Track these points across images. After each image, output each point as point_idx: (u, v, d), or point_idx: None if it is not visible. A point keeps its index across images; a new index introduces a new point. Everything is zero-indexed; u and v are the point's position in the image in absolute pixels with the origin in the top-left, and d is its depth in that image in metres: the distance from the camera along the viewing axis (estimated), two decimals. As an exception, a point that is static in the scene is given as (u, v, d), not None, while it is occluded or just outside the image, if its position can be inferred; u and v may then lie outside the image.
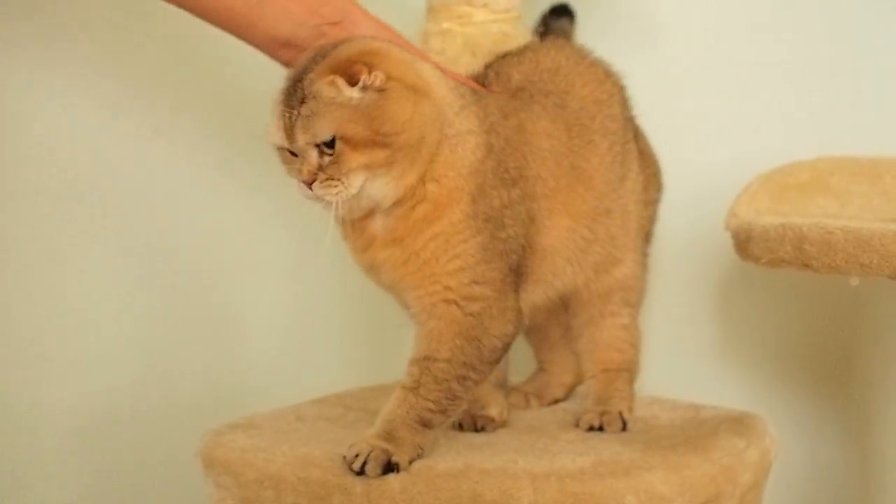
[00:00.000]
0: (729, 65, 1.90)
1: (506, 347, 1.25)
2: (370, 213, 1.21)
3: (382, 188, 1.16)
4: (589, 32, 1.90)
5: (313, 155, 1.14)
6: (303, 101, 1.14)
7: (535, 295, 1.34)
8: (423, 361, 1.21)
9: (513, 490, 1.15)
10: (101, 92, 1.69)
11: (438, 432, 1.24)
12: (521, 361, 1.66)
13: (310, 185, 1.14)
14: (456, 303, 1.21)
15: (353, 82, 1.13)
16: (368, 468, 1.16)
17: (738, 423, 1.39)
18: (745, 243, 1.40)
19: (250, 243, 1.85)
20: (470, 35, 1.49)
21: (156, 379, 1.77)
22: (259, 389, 1.88)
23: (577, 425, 1.41)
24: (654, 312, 1.81)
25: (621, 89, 1.44)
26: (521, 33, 1.54)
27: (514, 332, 1.25)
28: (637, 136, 1.48)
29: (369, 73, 1.14)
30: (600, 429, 1.38)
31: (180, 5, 1.24)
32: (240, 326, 1.87)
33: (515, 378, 1.63)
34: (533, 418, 1.46)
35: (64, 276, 1.67)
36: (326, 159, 1.14)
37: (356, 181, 1.14)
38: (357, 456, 1.17)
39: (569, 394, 1.58)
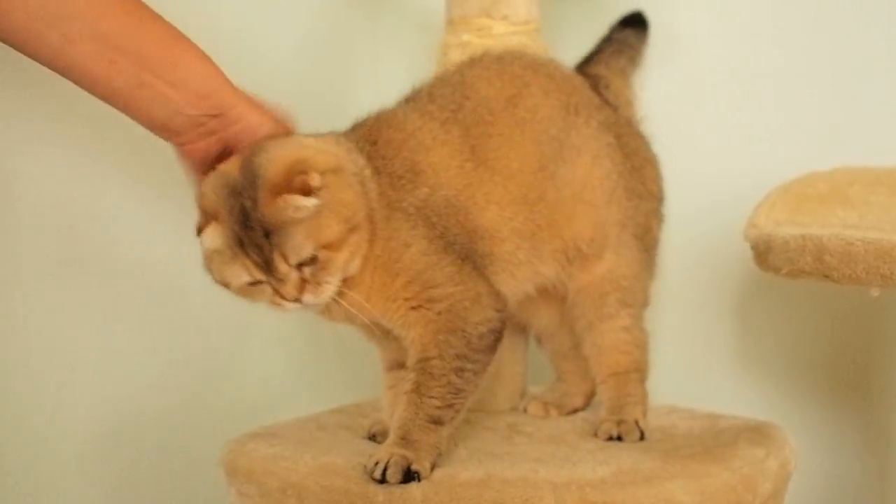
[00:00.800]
0: (745, 75, 1.90)
1: (494, 332, 1.26)
2: None
3: (355, 266, 1.22)
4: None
5: (294, 276, 1.17)
6: (268, 234, 1.16)
7: (506, 284, 1.35)
8: (418, 364, 1.24)
9: (534, 499, 1.15)
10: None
11: (452, 430, 1.25)
12: (540, 371, 1.67)
13: (298, 299, 1.18)
14: (421, 307, 1.24)
15: (305, 193, 1.16)
16: (389, 474, 1.17)
17: (758, 433, 1.39)
18: (764, 254, 1.40)
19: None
20: (489, 47, 1.49)
21: (177, 386, 1.78)
22: (279, 398, 1.89)
23: (595, 435, 1.41)
24: (672, 322, 1.82)
25: (554, 80, 1.43)
26: (539, 45, 1.55)
27: (497, 315, 1.26)
28: (617, 125, 1.48)
29: (308, 177, 1.16)
30: (619, 438, 1.39)
31: (70, 78, 1.23)
32: (260, 334, 1.88)
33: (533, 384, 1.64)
34: (552, 428, 1.47)
35: (86, 284, 1.68)
36: (307, 271, 1.18)
37: (337, 278, 1.20)
38: (377, 464, 1.18)
39: (588, 402, 1.58)
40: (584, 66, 1.62)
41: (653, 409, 1.49)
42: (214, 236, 1.19)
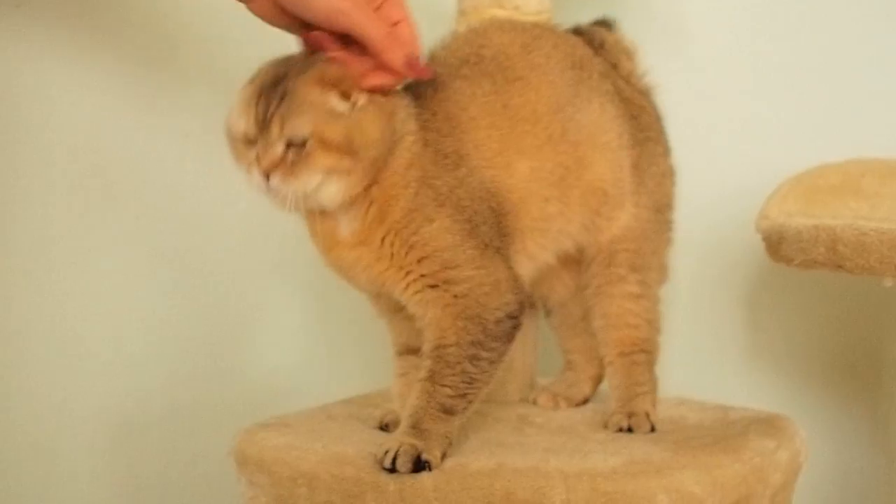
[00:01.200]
0: (756, 66, 1.90)
1: (512, 317, 1.25)
2: (332, 214, 1.25)
3: (330, 192, 1.20)
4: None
5: (279, 148, 1.17)
6: (284, 97, 1.17)
7: (532, 256, 1.35)
8: (434, 351, 1.23)
9: (545, 489, 1.15)
10: (131, 94, 1.71)
11: (463, 420, 1.25)
12: (549, 362, 1.67)
13: (267, 176, 1.17)
14: (439, 287, 1.24)
15: (341, 95, 1.19)
16: (399, 463, 1.17)
17: (768, 425, 1.39)
18: (777, 245, 1.39)
19: (276, 243, 1.86)
20: (501, 37, 1.49)
21: (185, 380, 1.78)
22: (286, 390, 1.89)
23: (605, 426, 1.41)
24: (682, 312, 1.82)
25: (556, 35, 1.45)
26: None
27: (515, 299, 1.26)
28: (612, 76, 1.49)
29: (355, 91, 1.19)
30: (629, 430, 1.38)
31: None
32: (267, 327, 1.89)
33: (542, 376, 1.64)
34: (563, 419, 1.47)
35: (93, 279, 1.68)
36: (290, 156, 1.17)
37: (313, 181, 1.18)
38: (387, 452, 1.18)
39: (596, 388, 1.58)
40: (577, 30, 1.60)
41: (663, 401, 1.48)
42: (244, 91, 1.21)
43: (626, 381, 1.45)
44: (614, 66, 1.52)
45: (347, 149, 1.19)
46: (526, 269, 1.35)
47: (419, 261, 1.24)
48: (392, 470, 1.17)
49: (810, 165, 1.60)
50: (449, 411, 1.21)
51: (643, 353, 1.46)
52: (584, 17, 1.86)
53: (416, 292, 1.25)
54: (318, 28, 1.22)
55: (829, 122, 1.86)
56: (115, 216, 1.71)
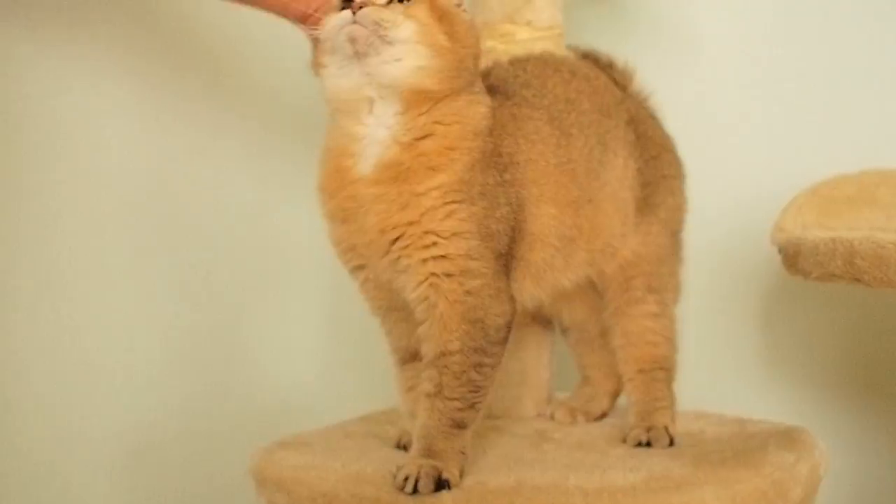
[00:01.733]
0: (767, 77, 1.90)
1: (508, 326, 1.24)
2: (351, 152, 1.22)
3: (414, 63, 1.18)
4: (629, 48, 1.91)
5: None
6: None
7: (532, 289, 1.34)
8: (438, 360, 1.21)
9: (565, 506, 1.15)
10: (143, 109, 1.71)
11: (473, 432, 1.24)
12: (566, 377, 1.67)
13: (357, 7, 1.15)
14: (456, 277, 1.20)
15: None
16: (421, 486, 1.16)
17: (787, 438, 1.38)
18: (793, 258, 1.39)
19: (292, 263, 1.87)
20: (513, 53, 1.49)
21: (201, 399, 1.79)
22: (303, 407, 1.89)
23: (624, 441, 1.41)
24: (697, 324, 1.81)
25: (592, 85, 1.43)
26: (563, 50, 1.55)
27: (512, 312, 1.25)
28: (636, 120, 1.47)
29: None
30: (648, 444, 1.38)
31: None
32: (282, 344, 1.89)
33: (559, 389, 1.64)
34: (582, 434, 1.46)
35: (107, 301, 1.69)
36: (394, 3, 1.17)
37: (406, 31, 1.17)
38: (407, 479, 1.17)
39: (613, 403, 1.58)
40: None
41: (681, 415, 1.48)
42: None
43: (645, 396, 1.45)
44: (624, 88, 1.52)
45: (449, 27, 1.19)
46: (526, 292, 1.34)
47: (452, 235, 1.20)
48: (414, 493, 1.16)
49: (824, 175, 1.59)
50: (460, 425, 1.21)
51: (662, 371, 1.46)
52: (595, 31, 1.88)
53: (433, 275, 1.21)
54: None
55: (842, 131, 1.86)
56: (129, 238, 1.72)
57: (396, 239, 1.21)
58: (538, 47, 1.51)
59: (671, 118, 1.57)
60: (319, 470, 1.27)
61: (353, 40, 1.16)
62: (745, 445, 1.36)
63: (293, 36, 1.31)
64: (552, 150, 1.32)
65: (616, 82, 1.51)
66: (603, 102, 1.42)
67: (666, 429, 1.40)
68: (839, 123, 1.86)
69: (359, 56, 1.18)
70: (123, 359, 1.71)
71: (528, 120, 1.32)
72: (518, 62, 1.41)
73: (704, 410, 1.58)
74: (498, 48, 1.51)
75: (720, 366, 1.93)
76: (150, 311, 1.73)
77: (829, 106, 1.87)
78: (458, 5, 1.24)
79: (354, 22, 1.16)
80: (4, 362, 1.60)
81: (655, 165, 1.47)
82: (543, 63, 1.42)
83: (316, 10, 1.23)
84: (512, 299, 1.26)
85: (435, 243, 1.20)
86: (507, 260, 1.26)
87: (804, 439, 1.38)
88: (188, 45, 1.77)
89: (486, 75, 1.34)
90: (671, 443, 1.39)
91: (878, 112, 1.84)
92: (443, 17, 1.20)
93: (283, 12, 1.28)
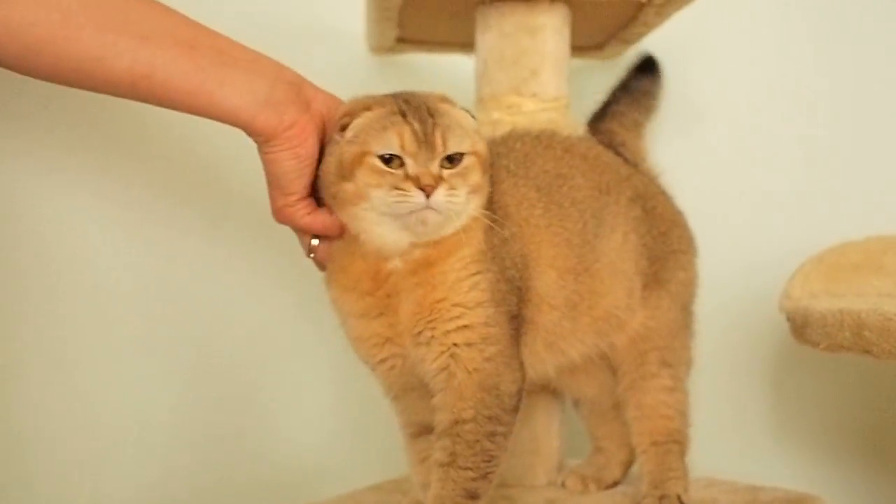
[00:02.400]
0: (772, 140, 1.91)
1: (520, 394, 1.25)
2: (381, 254, 1.22)
3: (469, 210, 1.21)
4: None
5: (436, 164, 1.17)
6: (434, 115, 1.19)
7: (538, 355, 1.34)
8: (452, 428, 1.21)
9: (578, 581, 1.15)
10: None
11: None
12: (576, 444, 1.66)
13: (430, 192, 1.14)
14: (476, 345, 1.21)
15: (469, 114, 1.25)
16: None
17: (799, 506, 1.38)
18: (801, 328, 1.40)
19: (299, 327, 1.87)
20: (520, 124, 1.50)
21: (211, 470, 1.78)
22: (313, 473, 1.88)
23: (636, 510, 1.41)
24: (708, 390, 1.81)
25: (586, 162, 1.44)
26: (569, 120, 1.56)
27: (523, 379, 1.26)
28: (644, 196, 1.48)
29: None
30: (661, 513, 1.38)
31: (159, 90, 1.18)
32: (292, 410, 1.88)
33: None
34: (592, 503, 1.46)
35: (116, 367, 1.70)
36: (447, 171, 1.17)
37: (466, 195, 1.19)
38: None
39: (626, 472, 1.57)
40: (599, 121, 1.63)
41: (692, 482, 1.47)
42: (370, 114, 1.19)
43: (658, 467, 1.44)
44: (636, 166, 1.54)
45: (488, 164, 1.23)
46: (538, 358, 1.35)
47: (475, 305, 1.22)
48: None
49: (830, 239, 1.60)
50: (473, 496, 1.21)
51: (676, 444, 1.46)
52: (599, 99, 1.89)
53: (454, 345, 1.21)
54: None
55: (848, 197, 1.87)
56: (137, 302, 1.72)
57: (425, 317, 1.23)
58: (544, 118, 1.52)
59: (676, 185, 1.58)
60: (331, 544, 1.27)
61: (424, 222, 1.17)
62: (758, 515, 1.36)
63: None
64: (540, 213, 1.34)
65: (626, 160, 1.53)
66: (601, 179, 1.43)
67: (678, 497, 1.40)
68: (845, 189, 1.87)
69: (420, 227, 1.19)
70: (133, 429, 1.71)
71: (513, 187, 1.34)
72: (509, 139, 1.43)
73: (716, 478, 1.57)
74: (504, 119, 1.52)
75: (731, 432, 1.92)
76: (160, 381, 1.74)
77: (835, 171, 1.88)
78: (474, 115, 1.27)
79: (429, 207, 1.15)
80: (17, 428, 1.61)
81: (664, 240, 1.48)
82: (535, 140, 1.43)
83: (289, 128, 1.21)
84: (522, 366, 1.26)
85: (461, 315, 1.22)
86: (518, 323, 1.28)
87: (816, 507, 1.38)
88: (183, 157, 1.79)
89: None
90: (684, 511, 1.38)
91: (884, 178, 1.85)
92: (485, 160, 1.23)
93: (246, 125, 1.22)
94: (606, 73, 1.92)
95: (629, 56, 1.86)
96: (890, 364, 1.58)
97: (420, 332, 1.23)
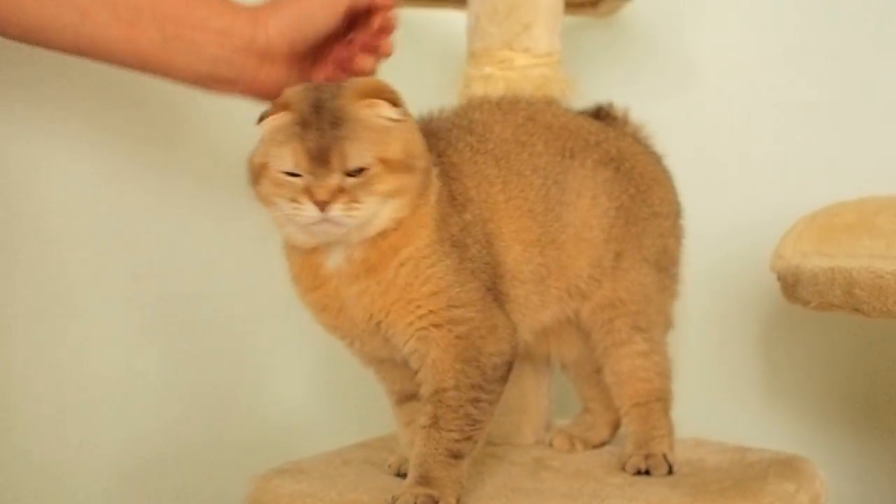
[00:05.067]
0: (768, 103, 1.90)
1: (508, 364, 1.24)
2: (319, 250, 1.22)
3: (389, 214, 1.18)
4: (627, 74, 1.92)
5: (336, 178, 1.13)
6: (336, 124, 1.14)
7: (519, 327, 1.34)
8: (434, 396, 1.21)
9: (563, 537, 1.14)
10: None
11: (471, 461, 1.23)
12: (565, 403, 1.66)
13: (324, 208, 1.12)
14: (443, 326, 1.21)
15: (391, 104, 1.18)
16: None
17: (787, 467, 1.38)
18: (792, 287, 1.39)
19: (288, 285, 1.86)
20: (511, 79, 1.50)
21: (199, 422, 1.78)
22: (301, 431, 1.88)
23: (623, 469, 1.40)
24: (695, 349, 1.81)
25: (551, 129, 1.42)
26: (561, 76, 1.55)
27: (511, 348, 1.25)
28: (620, 157, 1.46)
29: (398, 97, 1.19)
30: (647, 472, 1.37)
31: (96, 56, 1.21)
32: (280, 368, 1.88)
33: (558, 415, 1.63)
34: (580, 462, 1.45)
35: (106, 323, 1.69)
36: (350, 182, 1.13)
37: (374, 205, 1.15)
38: None
39: (614, 432, 1.57)
40: None
41: (680, 442, 1.47)
42: (278, 119, 1.17)
43: (642, 426, 1.44)
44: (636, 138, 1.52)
45: (405, 165, 1.17)
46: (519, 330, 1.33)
47: (431, 294, 1.21)
48: (409, 522, 1.15)
49: (824, 202, 1.59)
50: (457, 455, 1.20)
51: (658, 402, 1.45)
52: (594, 57, 1.88)
53: (420, 329, 1.22)
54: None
55: (842, 157, 1.86)
56: (126, 257, 1.71)
57: (381, 320, 1.23)
58: (536, 74, 1.51)
59: (668, 144, 1.57)
60: (315, 498, 1.27)
61: (326, 233, 1.17)
62: (745, 475, 1.35)
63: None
64: (500, 188, 1.32)
65: (608, 126, 1.51)
66: (564, 145, 1.41)
67: (664, 456, 1.39)
68: (839, 149, 1.86)
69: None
70: (122, 383, 1.70)
71: (471, 164, 1.32)
72: (467, 108, 1.41)
73: (705, 438, 1.57)
74: (496, 74, 1.51)
75: (720, 392, 1.92)
76: (149, 337, 1.73)
77: (829, 132, 1.87)
78: (402, 118, 1.20)
79: (326, 220, 1.14)
80: (3, 384, 1.60)
81: (644, 201, 1.45)
82: (495, 107, 1.41)
83: (244, 92, 1.26)
84: (512, 335, 1.26)
85: (420, 306, 1.21)
86: (497, 292, 1.27)
87: (804, 469, 1.37)
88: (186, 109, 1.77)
89: (426, 123, 1.34)
90: (670, 470, 1.38)
91: (879, 138, 1.84)
92: (398, 164, 1.17)
93: (204, 91, 1.27)
94: (600, 31, 1.91)
95: (623, 14, 1.85)
96: (880, 324, 1.58)
97: (381, 331, 1.24)
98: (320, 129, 1.13)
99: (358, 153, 1.13)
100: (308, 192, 1.13)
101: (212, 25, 1.23)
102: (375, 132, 1.16)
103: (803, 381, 1.91)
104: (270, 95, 1.24)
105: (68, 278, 1.65)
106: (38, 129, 1.61)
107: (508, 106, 1.42)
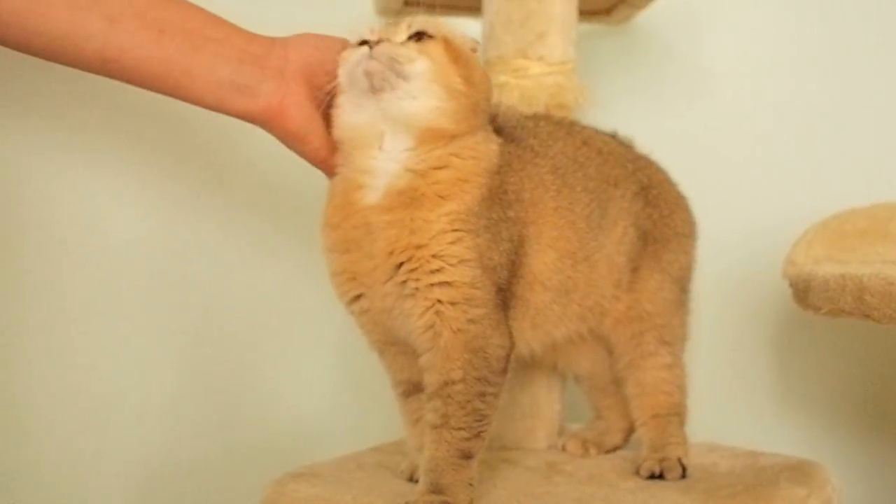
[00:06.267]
0: (780, 108, 1.91)
1: (508, 358, 1.25)
2: (360, 183, 1.24)
3: (429, 101, 1.21)
4: (641, 81, 1.92)
5: (400, 37, 1.22)
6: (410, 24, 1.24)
7: (529, 334, 1.36)
8: (442, 390, 1.22)
9: (575, 541, 1.15)
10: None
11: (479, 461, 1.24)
12: (577, 408, 1.67)
13: (374, 45, 1.19)
14: (460, 304, 1.21)
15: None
16: None
17: (799, 471, 1.38)
18: (804, 293, 1.39)
19: (300, 293, 1.87)
20: (526, 87, 1.51)
21: (214, 431, 1.79)
22: (316, 436, 1.89)
23: (636, 473, 1.41)
24: (710, 356, 1.81)
25: (601, 155, 1.46)
26: (575, 84, 1.56)
27: (511, 346, 1.26)
28: (649, 186, 1.49)
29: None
30: (660, 476, 1.38)
31: (121, 67, 1.22)
32: (294, 374, 1.89)
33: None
34: (592, 467, 1.46)
35: (118, 333, 1.70)
36: (408, 41, 1.22)
37: (420, 66, 1.20)
38: None
39: (627, 439, 1.58)
40: None
41: (693, 447, 1.48)
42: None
43: (659, 434, 1.46)
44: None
45: (465, 70, 1.22)
46: (521, 334, 1.35)
47: (458, 262, 1.21)
48: (424, 527, 1.16)
49: (836, 208, 1.59)
50: (466, 455, 1.21)
51: (676, 416, 1.48)
52: (607, 65, 1.89)
53: (438, 302, 1.21)
54: None
55: (854, 164, 1.86)
56: (139, 268, 1.72)
57: (403, 263, 1.22)
58: (550, 82, 1.52)
59: (681, 150, 1.58)
60: (330, 502, 1.28)
61: (369, 74, 1.19)
62: (757, 480, 1.36)
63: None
64: (552, 195, 1.35)
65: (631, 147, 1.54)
66: (611, 173, 1.45)
67: (679, 460, 1.41)
68: (852, 156, 1.86)
69: (374, 91, 1.20)
70: (136, 391, 1.72)
71: (532, 164, 1.34)
72: (532, 117, 1.45)
73: (717, 443, 1.58)
74: (511, 83, 1.52)
75: (732, 397, 1.92)
76: (162, 347, 1.74)
77: (842, 138, 1.87)
78: (474, 50, 1.28)
79: (371, 57, 1.18)
80: (18, 394, 1.61)
81: (667, 223, 1.49)
82: (557, 124, 1.45)
83: (265, 110, 1.26)
84: (510, 336, 1.27)
85: (441, 269, 1.21)
86: (506, 296, 1.28)
87: (816, 474, 1.38)
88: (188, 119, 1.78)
89: (493, 116, 1.35)
90: (684, 474, 1.39)
91: (891, 145, 1.84)
92: (458, 59, 1.23)
93: (218, 109, 1.28)
94: (614, 38, 1.92)
95: (637, 21, 1.86)
96: (892, 330, 1.58)
97: (404, 283, 1.23)
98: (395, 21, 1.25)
99: (425, 23, 1.23)
100: (367, 41, 1.21)
101: (234, 41, 1.26)
102: (451, 32, 1.25)
103: (815, 386, 1.91)
104: (288, 122, 1.27)
105: (81, 289, 1.66)
106: (52, 141, 1.63)
107: (568, 127, 1.46)
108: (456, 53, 1.23)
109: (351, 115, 1.24)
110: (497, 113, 1.39)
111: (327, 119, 1.28)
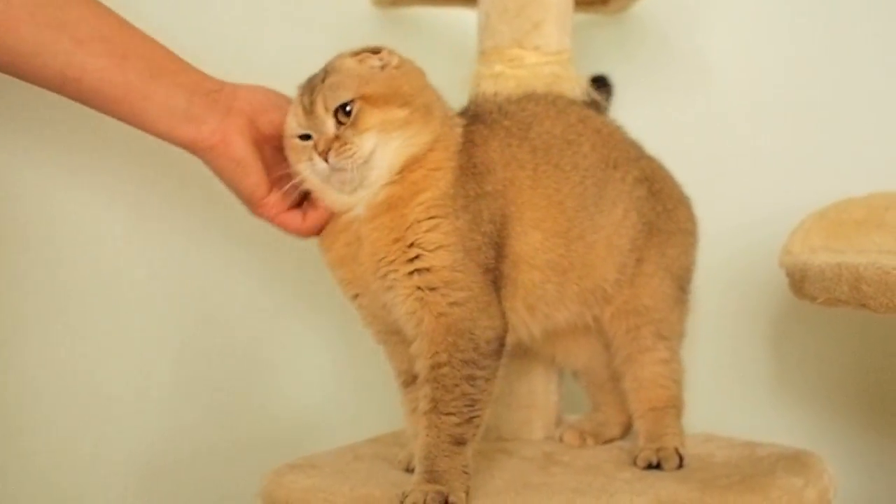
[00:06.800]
0: (778, 99, 1.90)
1: (500, 339, 1.26)
2: (346, 211, 1.29)
3: (395, 150, 1.24)
4: (638, 71, 1.92)
5: (330, 125, 1.23)
6: (325, 77, 1.25)
7: (525, 317, 1.37)
8: (430, 374, 1.22)
9: (572, 531, 1.15)
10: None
11: (475, 447, 1.24)
12: (574, 399, 1.67)
13: (325, 157, 1.22)
14: (439, 289, 1.23)
15: (376, 57, 1.28)
16: None
17: (796, 461, 1.39)
18: (800, 283, 1.39)
19: (300, 284, 1.87)
20: (522, 78, 1.51)
21: (213, 422, 1.79)
22: (314, 428, 1.89)
23: (633, 463, 1.41)
24: (706, 346, 1.81)
25: (599, 135, 1.46)
26: (571, 74, 1.55)
27: (503, 328, 1.27)
28: (652, 178, 1.49)
29: (389, 52, 1.28)
30: (658, 466, 1.39)
31: (83, 88, 1.25)
32: (293, 365, 1.89)
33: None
34: (590, 457, 1.46)
35: (119, 323, 1.70)
36: (342, 128, 1.22)
37: (369, 141, 1.22)
38: None
39: (626, 432, 1.58)
40: None
41: (690, 438, 1.48)
42: (296, 98, 1.28)
43: (656, 426, 1.46)
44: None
45: (396, 97, 1.24)
46: (519, 318, 1.36)
47: (435, 248, 1.24)
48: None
49: (833, 198, 1.59)
50: (459, 441, 1.21)
51: (673, 409, 1.48)
52: (604, 54, 1.88)
53: (417, 289, 1.24)
54: None
55: (851, 154, 1.86)
56: (139, 259, 1.72)
57: (381, 258, 1.26)
58: (546, 72, 1.52)
59: (678, 140, 1.58)
60: (327, 493, 1.28)
61: (342, 183, 1.25)
62: (754, 470, 1.36)
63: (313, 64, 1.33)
64: (529, 174, 1.35)
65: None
66: (610, 154, 1.45)
67: (676, 450, 1.41)
68: (849, 146, 1.86)
69: (351, 190, 1.26)
70: (136, 382, 1.72)
71: (505, 144, 1.36)
72: (523, 99, 1.45)
73: (714, 433, 1.58)
74: (506, 72, 1.52)
75: (729, 388, 1.92)
76: (162, 338, 1.74)
77: (839, 128, 1.87)
78: (376, 52, 1.29)
79: (335, 168, 1.23)
80: (17, 386, 1.61)
81: (670, 218, 1.50)
82: (551, 103, 1.45)
83: (208, 138, 1.29)
84: (502, 319, 1.27)
85: (419, 256, 1.24)
86: (495, 276, 1.28)
87: (813, 463, 1.38)
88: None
89: (471, 100, 1.40)
90: (681, 464, 1.39)
91: (888, 135, 1.84)
92: (382, 97, 1.24)
93: (167, 136, 1.30)
94: (610, 28, 1.91)
95: (634, 11, 1.86)
96: (889, 320, 1.58)
97: (385, 276, 1.26)
98: (312, 87, 1.26)
99: (336, 94, 1.23)
100: (315, 147, 1.23)
101: (190, 74, 1.30)
102: (357, 76, 1.25)
103: (811, 376, 1.91)
104: (232, 150, 1.30)
105: (81, 281, 1.66)
106: (52, 142, 1.63)
107: (564, 105, 1.46)
108: (377, 95, 1.24)
109: (335, 202, 1.29)
110: (472, 100, 1.43)
111: (265, 162, 1.32)
